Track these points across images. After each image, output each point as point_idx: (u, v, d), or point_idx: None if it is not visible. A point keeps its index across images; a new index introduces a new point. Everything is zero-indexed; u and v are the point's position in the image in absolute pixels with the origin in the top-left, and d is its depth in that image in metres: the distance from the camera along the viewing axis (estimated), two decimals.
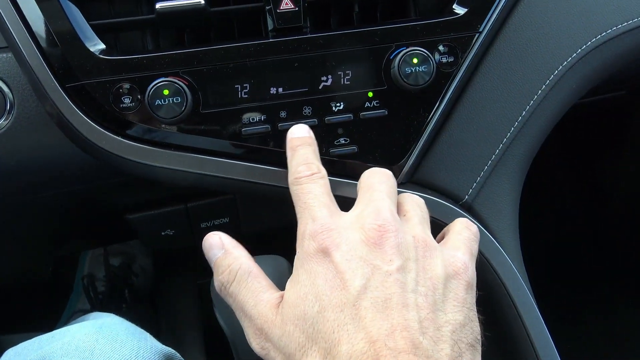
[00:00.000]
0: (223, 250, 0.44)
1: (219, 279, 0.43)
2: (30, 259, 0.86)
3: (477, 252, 0.45)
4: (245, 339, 0.41)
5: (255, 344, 0.40)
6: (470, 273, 0.42)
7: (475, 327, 0.40)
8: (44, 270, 0.99)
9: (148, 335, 0.50)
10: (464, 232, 0.46)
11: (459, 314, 0.39)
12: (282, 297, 0.41)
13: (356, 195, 0.45)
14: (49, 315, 1.20)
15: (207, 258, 0.45)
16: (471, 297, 0.41)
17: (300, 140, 0.48)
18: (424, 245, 0.41)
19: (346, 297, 0.37)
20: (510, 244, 0.55)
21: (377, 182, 0.45)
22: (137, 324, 0.53)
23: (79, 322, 0.52)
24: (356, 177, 0.48)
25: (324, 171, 0.45)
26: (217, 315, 0.47)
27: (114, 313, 1.15)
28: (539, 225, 1.27)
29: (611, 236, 1.27)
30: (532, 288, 0.56)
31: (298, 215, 0.43)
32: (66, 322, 1.14)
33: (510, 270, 0.52)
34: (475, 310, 0.41)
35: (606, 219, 1.28)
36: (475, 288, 0.42)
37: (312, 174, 0.44)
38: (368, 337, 0.35)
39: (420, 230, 0.43)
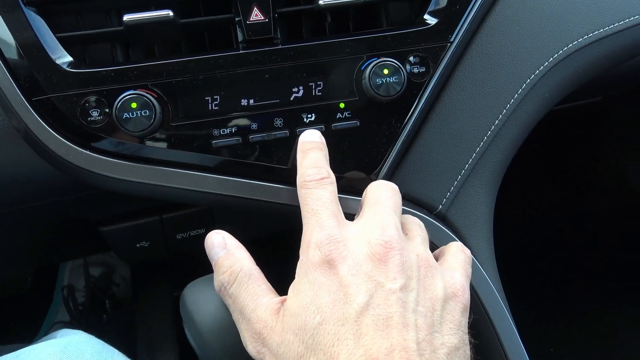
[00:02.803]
0: (225, 250, 0.44)
1: (219, 279, 0.43)
2: (8, 272, 0.84)
3: (471, 274, 0.46)
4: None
5: (252, 347, 0.40)
6: (467, 295, 0.43)
7: (467, 351, 0.41)
8: (22, 281, 0.98)
9: (116, 353, 0.50)
10: (459, 254, 0.46)
11: (455, 336, 0.40)
12: (282, 302, 0.41)
13: (350, 210, 0.46)
14: (28, 326, 1.18)
15: (208, 256, 0.45)
16: (465, 320, 0.42)
17: (312, 144, 0.48)
18: (426, 265, 0.42)
19: (348, 312, 0.37)
20: (485, 253, 0.55)
21: (384, 196, 0.45)
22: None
23: (47, 339, 0.51)
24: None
25: (333, 177, 0.45)
26: (187, 332, 0.47)
27: (94, 324, 1.14)
28: (514, 227, 1.28)
29: (588, 238, 1.28)
30: (507, 290, 0.56)
31: (304, 221, 0.43)
32: (45, 334, 1.12)
33: (484, 281, 0.52)
34: (468, 333, 0.42)
35: (582, 221, 1.29)
36: (469, 310, 0.43)
37: (322, 179, 0.44)
38: (367, 355, 0.35)
39: (422, 250, 0.43)
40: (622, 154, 1.12)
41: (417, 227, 0.46)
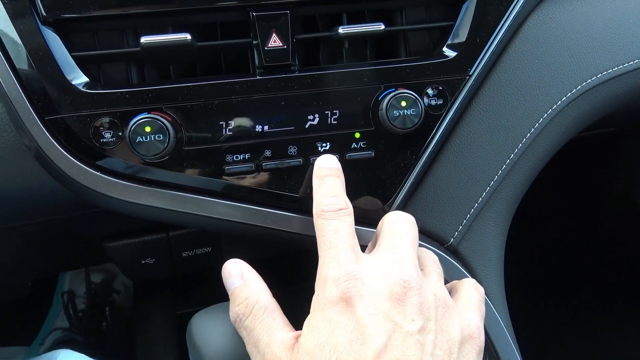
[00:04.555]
0: (242, 280, 0.43)
1: (235, 310, 0.42)
2: (7, 282, 0.84)
3: (484, 314, 0.45)
4: None
5: None
6: (482, 337, 0.42)
7: None
8: (22, 289, 0.97)
9: None
10: (474, 292, 0.46)
11: None
12: (296, 338, 0.40)
13: (363, 241, 0.45)
14: (27, 331, 1.17)
15: (225, 285, 0.44)
16: None
17: (329, 170, 0.47)
18: (444, 305, 0.41)
19: (365, 354, 0.36)
20: (495, 289, 0.54)
21: (402, 228, 0.44)
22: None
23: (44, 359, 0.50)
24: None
25: (351, 207, 0.44)
26: None
27: (93, 331, 1.13)
28: (526, 254, 1.27)
29: (599, 264, 1.27)
30: (518, 315, 0.55)
31: (320, 253, 0.42)
32: (43, 340, 1.12)
33: (495, 321, 0.52)
34: None
35: (593, 248, 1.28)
36: (482, 352, 0.42)
37: (340, 210, 0.43)
38: None
39: (440, 288, 0.42)
40: (635, 184, 1.11)
41: (432, 262, 0.46)
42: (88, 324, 1.13)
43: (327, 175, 0.46)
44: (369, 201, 0.52)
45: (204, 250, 0.68)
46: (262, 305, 0.41)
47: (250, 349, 0.41)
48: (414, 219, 0.46)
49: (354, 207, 0.48)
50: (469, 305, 0.44)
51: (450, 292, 0.46)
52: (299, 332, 0.40)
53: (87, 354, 0.52)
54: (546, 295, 1.26)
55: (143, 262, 0.66)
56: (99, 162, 0.47)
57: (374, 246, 0.45)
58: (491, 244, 0.55)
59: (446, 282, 0.49)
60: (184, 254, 0.67)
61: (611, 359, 1.14)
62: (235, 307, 0.42)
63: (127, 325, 1.13)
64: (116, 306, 1.18)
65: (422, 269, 0.44)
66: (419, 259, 0.45)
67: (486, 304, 0.52)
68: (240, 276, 0.43)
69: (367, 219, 0.51)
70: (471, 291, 0.46)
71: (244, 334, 0.42)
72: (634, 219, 1.14)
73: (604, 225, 1.24)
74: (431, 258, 0.46)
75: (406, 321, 0.38)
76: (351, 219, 0.44)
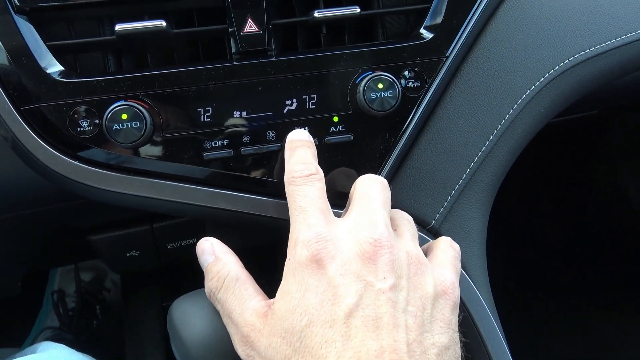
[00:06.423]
0: (214, 256, 0.44)
1: (208, 285, 0.43)
2: None
3: (460, 271, 0.45)
4: None
5: (241, 350, 0.40)
6: (457, 293, 0.42)
7: (458, 349, 0.40)
8: (11, 286, 0.97)
9: None
10: (449, 250, 0.46)
11: (445, 335, 0.39)
12: (269, 305, 0.40)
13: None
14: (18, 330, 1.17)
15: (199, 263, 0.45)
16: (455, 318, 0.41)
17: (300, 142, 0.47)
18: (416, 263, 0.41)
19: (337, 314, 0.37)
20: (477, 270, 0.54)
21: (373, 190, 0.44)
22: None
23: (27, 353, 0.50)
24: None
25: (321, 173, 0.45)
26: (174, 349, 0.46)
27: (84, 330, 1.13)
28: (511, 239, 1.27)
29: (586, 251, 1.28)
30: (502, 303, 0.55)
31: (292, 218, 0.42)
32: (33, 340, 1.11)
33: (477, 299, 0.52)
34: (458, 331, 0.41)
35: (580, 233, 1.29)
36: (458, 308, 0.42)
37: (310, 175, 0.44)
38: (356, 357, 0.35)
39: (412, 246, 0.42)
40: (620, 168, 1.12)
41: (406, 222, 0.46)
42: (78, 323, 1.12)
43: (299, 146, 0.47)
44: (345, 168, 0.52)
45: (188, 241, 0.68)
46: (233, 277, 0.42)
47: (225, 320, 0.42)
48: (387, 181, 0.46)
49: (334, 189, 0.49)
50: (444, 262, 0.44)
51: (426, 253, 0.46)
52: (272, 299, 0.40)
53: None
54: (534, 282, 1.26)
55: (128, 254, 0.66)
56: (76, 151, 0.47)
57: (347, 211, 0.45)
58: (473, 225, 0.55)
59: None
60: (169, 246, 0.67)
61: (597, 345, 1.15)
62: (209, 282, 0.43)
63: (118, 323, 1.13)
64: (106, 304, 1.18)
65: (395, 230, 0.44)
66: (392, 220, 0.45)
67: (468, 284, 0.52)
68: (212, 252, 0.44)
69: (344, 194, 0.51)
70: (446, 249, 0.46)
71: (218, 307, 0.42)
72: (622, 208, 1.15)
73: (593, 210, 1.25)
74: (405, 218, 0.46)
75: (377, 279, 0.38)
76: (321, 184, 0.44)
